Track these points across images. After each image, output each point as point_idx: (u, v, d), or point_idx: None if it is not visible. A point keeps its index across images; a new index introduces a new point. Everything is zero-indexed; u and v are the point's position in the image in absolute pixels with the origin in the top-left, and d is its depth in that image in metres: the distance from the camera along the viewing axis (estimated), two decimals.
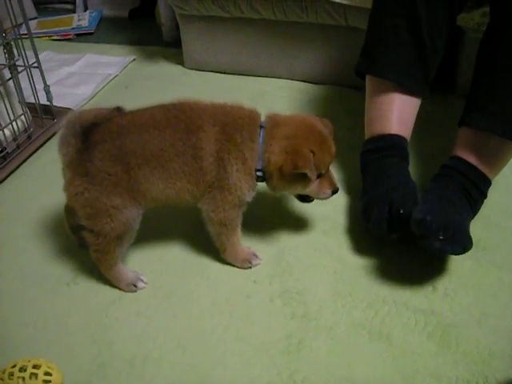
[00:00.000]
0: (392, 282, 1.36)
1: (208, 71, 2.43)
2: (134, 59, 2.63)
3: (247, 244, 1.47)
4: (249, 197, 1.37)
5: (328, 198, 1.40)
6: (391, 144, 1.51)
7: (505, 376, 1.14)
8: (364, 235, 1.48)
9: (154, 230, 1.52)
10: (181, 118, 1.31)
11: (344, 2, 1.95)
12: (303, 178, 1.31)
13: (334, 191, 1.39)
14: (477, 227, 1.45)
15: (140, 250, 1.47)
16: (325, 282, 1.37)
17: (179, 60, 2.52)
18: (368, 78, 1.60)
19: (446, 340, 1.22)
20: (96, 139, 1.26)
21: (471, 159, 1.41)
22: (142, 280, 1.39)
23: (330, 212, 1.57)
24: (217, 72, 2.42)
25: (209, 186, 1.33)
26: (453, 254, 1.31)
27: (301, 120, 1.37)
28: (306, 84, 2.26)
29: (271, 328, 1.27)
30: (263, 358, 1.20)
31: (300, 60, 2.25)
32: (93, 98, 2.31)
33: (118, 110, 1.36)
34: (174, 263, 1.45)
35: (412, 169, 1.61)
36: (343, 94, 2.13)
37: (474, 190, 1.40)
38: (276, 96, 2.21)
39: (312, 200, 1.43)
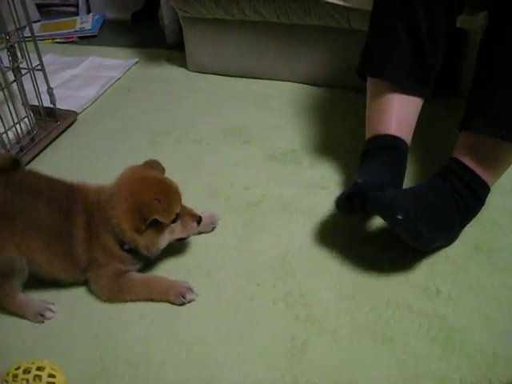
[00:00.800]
0: (395, 285, 1.35)
1: (211, 74, 2.42)
2: (137, 62, 2.62)
3: (251, 246, 1.48)
4: (131, 267, 1.40)
5: (196, 231, 1.43)
6: (387, 144, 1.51)
7: (509, 379, 1.14)
8: (368, 238, 1.48)
9: None
10: (63, 200, 1.34)
11: (345, 5, 1.95)
12: (161, 227, 1.33)
13: (199, 221, 1.41)
14: (480, 230, 1.46)
15: None
16: (328, 285, 1.37)
17: (182, 63, 2.51)
18: (368, 79, 1.61)
19: (449, 343, 1.22)
20: None
21: (468, 162, 1.40)
22: (50, 309, 1.35)
23: (333, 215, 1.56)
24: (220, 75, 2.41)
25: (83, 271, 1.36)
26: (409, 240, 1.33)
27: (129, 178, 1.36)
28: (309, 86, 2.26)
29: (275, 331, 1.27)
30: (267, 361, 1.20)
31: (303, 62, 2.25)
32: (96, 100, 2.31)
33: (15, 162, 1.37)
34: (177, 266, 1.46)
35: (414, 172, 1.61)
36: (347, 97, 2.13)
37: (467, 192, 1.39)
38: (279, 98, 2.20)
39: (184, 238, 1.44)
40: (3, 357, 1.25)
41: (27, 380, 1.14)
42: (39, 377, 1.14)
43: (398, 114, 1.53)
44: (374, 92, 1.58)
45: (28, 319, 1.35)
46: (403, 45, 1.49)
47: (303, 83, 2.28)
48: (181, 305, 1.35)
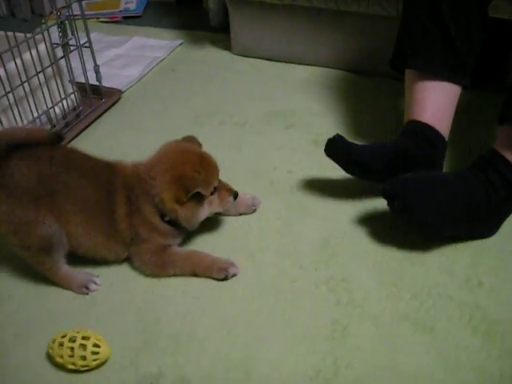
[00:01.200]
0: (437, 275, 1.36)
1: (255, 57, 2.43)
2: (181, 43, 2.64)
3: (294, 230, 1.50)
4: (173, 241, 1.42)
5: (231, 204, 1.45)
6: (414, 129, 1.52)
7: None
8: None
9: None
10: (103, 177, 1.37)
11: None
12: (201, 199, 1.34)
13: (235, 196, 1.43)
14: None
15: None
16: (370, 271, 1.38)
17: (226, 45, 2.52)
18: (405, 70, 1.62)
19: (490, 335, 1.21)
20: (24, 157, 1.29)
21: (508, 155, 1.38)
22: (94, 282, 1.38)
23: (376, 203, 1.56)
24: (263, 59, 2.41)
25: (127, 245, 1.39)
26: (413, 225, 1.40)
27: (169, 151, 1.39)
28: (354, 74, 2.26)
29: (316, 313, 1.28)
30: (308, 343, 1.21)
31: (348, 50, 2.24)
32: (140, 79, 2.33)
33: (58, 137, 1.39)
34: (221, 247, 1.47)
35: (452, 161, 1.63)
36: (391, 86, 2.11)
37: (502, 185, 1.37)
38: (323, 85, 2.20)
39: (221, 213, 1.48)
40: (48, 325, 1.29)
41: (72, 348, 1.16)
42: (84, 346, 1.17)
43: (433, 102, 1.53)
44: (410, 80, 1.59)
45: (72, 291, 1.38)
46: (430, 33, 1.52)
47: (347, 70, 2.28)
48: (224, 279, 1.37)
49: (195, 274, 1.39)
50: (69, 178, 1.33)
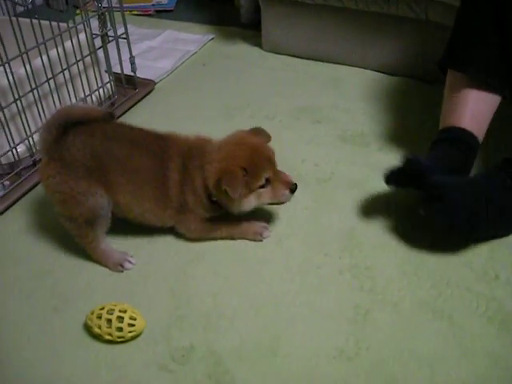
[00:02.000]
0: (456, 267, 1.41)
1: (285, 55, 2.49)
2: (213, 38, 2.70)
3: (320, 219, 1.56)
4: (214, 214, 1.50)
5: (289, 198, 1.46)
6: (455, 136, 1.53)
7: None
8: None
9: None
10: (156, 146, 1.44)
11: None
12: (248, 190, 1.40)
13: (292, 189, 1.45)
14: None
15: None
16: (392, 261, 1.43)
17: (257, 42, 2.58)
18: (449, 72, 1.63)
19: (505, 325, 1.27)
20: (79, 133, 1.38)
21: None
22: (129, 261, 1.46)
23: (401, 197, 1.62)
24: (293, 56, 2.47)
25: (174, 211, 1.46)
26: (442, 226, 1.41)
27: (231, 141, 1.46)
28: (380, 74, 2.31)
29: (339, 298, 1.34)
30: (331, 325, 1.28)
31: (376, 50, 2.29)
32: (172, 72, 2.40)
33: (111, 115, 1.48)
34: None
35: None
36: (416, 87, 2.16)
37: None
38: (350, 83, 2.26)
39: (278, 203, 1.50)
40: (85, 299, 1.36)
41: (109, 320, 1.24)
42: (121, 318, 1.24)
43: (474, 108, 1.54)
44: (453, 85, 1.60)
45: (108, 268, 1.45)
46: (491, 45, 1.51)
47: (374, 70, 2.33)
48: (258, 241, 1.50)
49: (232, 237, 1.51)
50: (120, 151, 1.41)
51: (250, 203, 1.43)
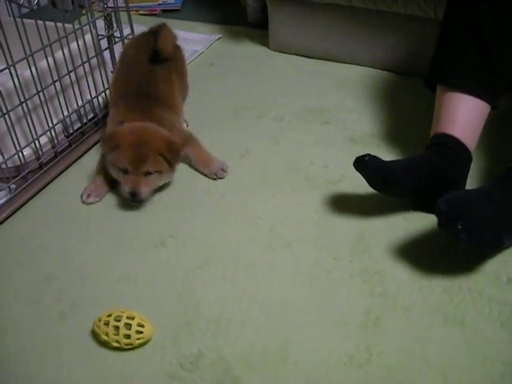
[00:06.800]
0: (468, 272, 1.39)
1: (292, 54, 2.47)
2: (220, 38, 2.69)
3: (329, 222, 1.55)
4: None
5: (126, 196, 1.59)
6: (443, 142, 1.52)
7: None
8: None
9: (243, 200, 1.62)
10: None
11: None
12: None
13: (131, 193, 1.57)
14: None
15: (225, 220, 1.55)
16: (403, 265, 1.41)
17: (264, 41, 2.57)
18: (437, 86, 1.63)
19: None
20: None
21: None
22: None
23: (410, 200, 1.60)
24: (301, 55, 2.46)
25: None
26: (470, 246, 1.33)
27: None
28: (389, 73, 2.29)
29: (350, 303, 1.32)
30: (342, 330, 1.26)
31: (384, 49, 2.28)
32: None
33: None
34: (260, 235, 1.52)
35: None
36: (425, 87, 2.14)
37: None
38: (359, 83, 2.24)
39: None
40: (93, 305, 1.35)
41: (117, 327, 1.22)
42: (129, 325, 1.22)
43: (462, 116, 1.53)
44: (440, 96, 1.60)
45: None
46: (469, 53, 1.52)
47: (382, 69, 2.32)
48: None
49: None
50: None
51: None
